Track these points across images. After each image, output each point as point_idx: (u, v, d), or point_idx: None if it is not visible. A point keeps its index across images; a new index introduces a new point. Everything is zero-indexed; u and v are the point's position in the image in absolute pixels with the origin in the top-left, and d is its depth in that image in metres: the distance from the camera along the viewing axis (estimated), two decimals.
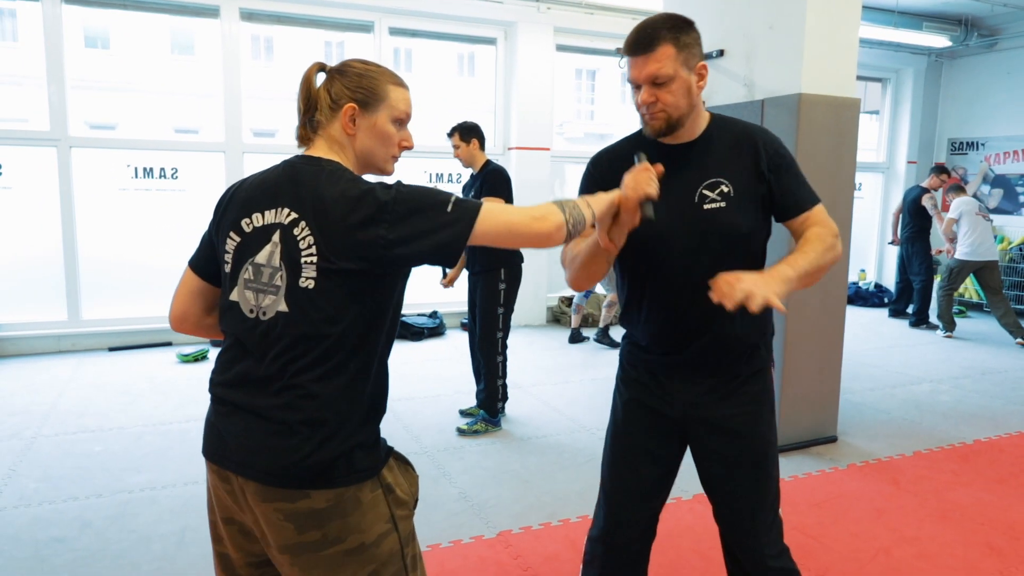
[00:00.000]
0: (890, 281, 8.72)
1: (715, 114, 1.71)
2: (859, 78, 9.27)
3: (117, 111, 17.52)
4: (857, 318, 7.70)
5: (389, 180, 1.32)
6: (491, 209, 1.29)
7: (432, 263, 1.31)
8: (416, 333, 6.41)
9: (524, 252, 4.09)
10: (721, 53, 4.08)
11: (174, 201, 5.87)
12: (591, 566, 1.84)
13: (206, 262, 1.41)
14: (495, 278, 3.88)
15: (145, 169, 5.85)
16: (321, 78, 1.39)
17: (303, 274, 1.25)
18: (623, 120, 14.87)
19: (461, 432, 3.91)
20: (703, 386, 1.68)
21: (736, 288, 1.38)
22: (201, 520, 2.89)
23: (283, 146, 5.83)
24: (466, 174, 4.08)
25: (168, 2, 5.87)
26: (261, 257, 1.28)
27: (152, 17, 6.24)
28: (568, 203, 1.38)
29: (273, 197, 1.31)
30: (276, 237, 1.27)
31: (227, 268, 1.33)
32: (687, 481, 3.38)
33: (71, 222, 5.68)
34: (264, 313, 1.27)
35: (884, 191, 9.19)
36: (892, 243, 7.98)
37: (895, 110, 9.09)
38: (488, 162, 3.95)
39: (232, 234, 1.33)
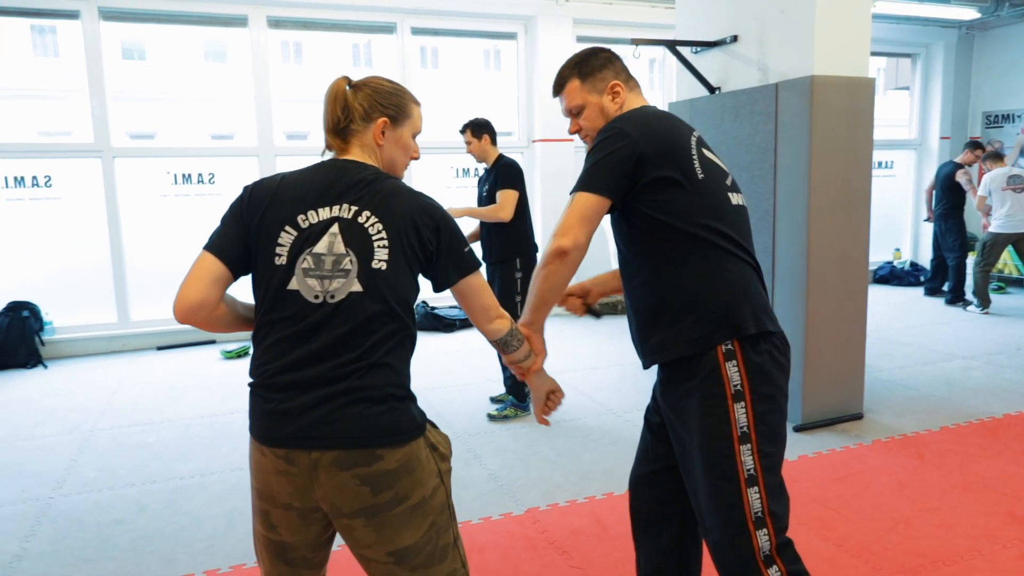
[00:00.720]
0: (926, 260, 8.60)
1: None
2: (887, 54, 9.15)
3: (155, 120, 18.04)
4: (891, 297, 7.65)
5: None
6: (484, 279, 1.57)
7: (434, 276, 1.53)
8: (448, 325, 6.57)
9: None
10: (735, 39, 4.12)
11: (212, 205, 6.13)
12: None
13: (235, 251, 1.45)
14: (511, 267, 4.00)
15: (184, 175, 6.11)
16: (349, 91, 1.53)
17: (376, 257, 1.41)
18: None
19: (491, 418, 4.05)
20: (661, 381, 1.76)
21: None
22: (246, 502, 3.08)
23: (315, 148, 5.98)
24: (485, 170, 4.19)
25: (199, 14, 6.10)
26: (320, 248, 1.40)
27: (185, 28, 6.49)
28: (518, 331, 1.66)
29: (328, 195, 1.44)
30: (334, 229, 1.41)
31: (280, 260, 1.41)
32: None
33: (117, 229, 5.97)
34: (333, 296, 1.38)
35: (917, 168, 9.05)
36: (927, 220, 7.88)
37: (926, 85, 8.94)
38: (500, 156, 4.06)
39: (288, 228, 1.42)
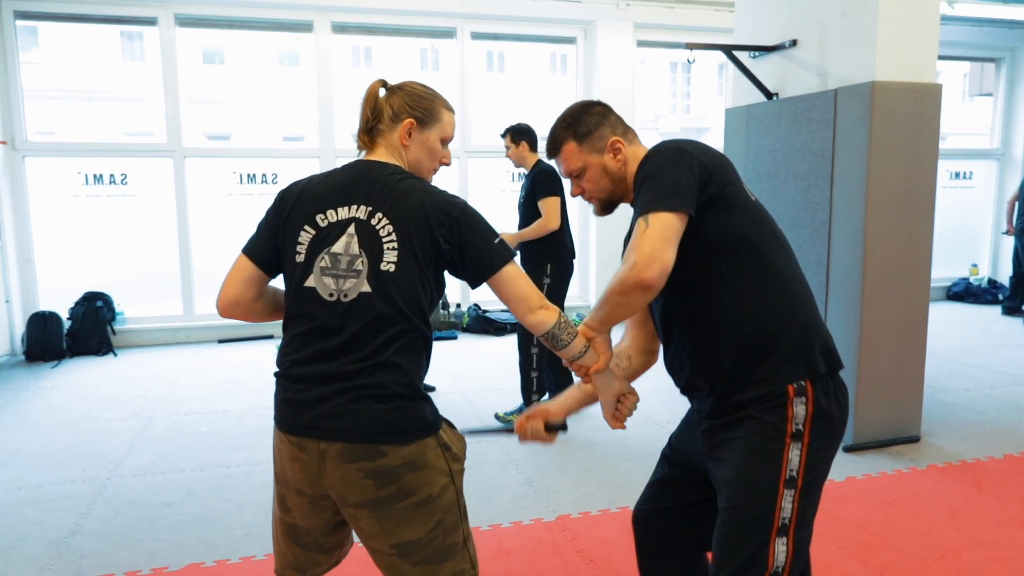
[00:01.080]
0: (1005, 276, 8.15)
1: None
2: (970, 59, 8.73)
3: (231, 122, 18.81)
4: (965, 315, 7.27)
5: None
6: (520, 270, 1.51)
7: (464, 275, 1.51)
8: (499, 328, 6.60)
9: (592, 247, 4.17)
10: (794, 43, 4.01)
11: None
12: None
13: (264, 250, 1.54)
14: (541, 273, 3.98)
15: (249, 175, 6.35)
16: (383, 93, 1.59)
17: (384, 259, 1.43)
18: (720, 113, 14.51)
19: (498, 418, 4.04)
20: (701, 418, 1.64)
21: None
22: None
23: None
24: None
25: (267, 20, 6.32)
26: (338, 247, 1.45)
27: (260, 33, 6.74)
28: (568, 324, 1.50)
29: (348, 195, 1.49)
30: (351, 229, 1.45)
31: (299, 258, 1.47)
32: None
33: (185, 226, 6.24)
34: (346, 295, 1.43)
35: (999, 179, 8.57)
36: (1007, 233, 7.47)
37: (1011, 91, 8.47)
38: (538, 162, 4.05)
39: (307, 227, 1.48)
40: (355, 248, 1.44)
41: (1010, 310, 7.31)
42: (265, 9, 6.22)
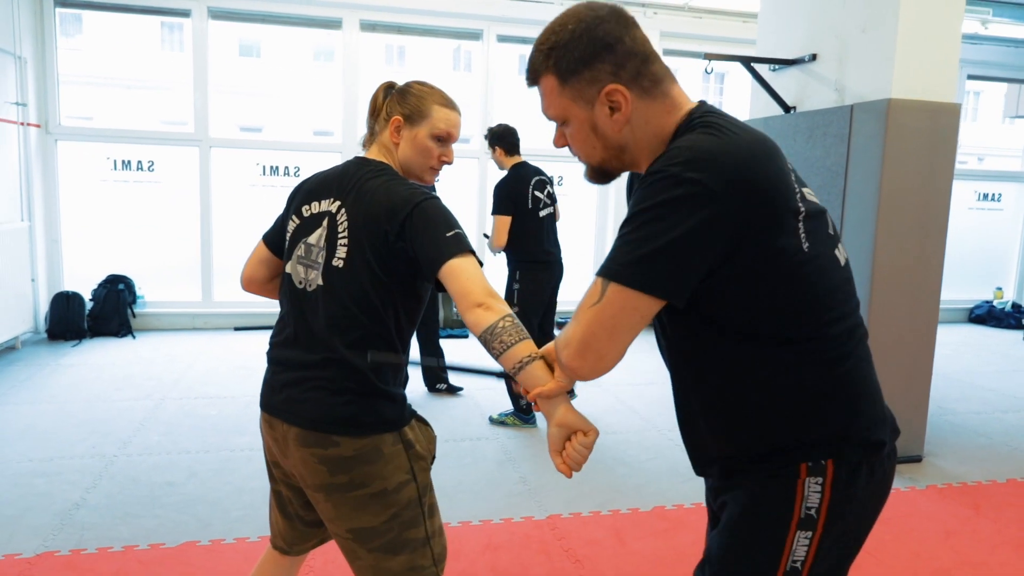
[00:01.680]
0: None
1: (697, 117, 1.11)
2: (1007, 80, 8.56)
3: (264, 114, 19.11)
4: (985, 339, 7.16)
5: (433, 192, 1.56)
6: (473, 263, 1.39)
7: (423, 273, 1.45)
8: None
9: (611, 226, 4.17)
10: (813, 57, 4.00)
11: None
12: None
13: (275, 237, 1.68)
14: (511, 278, 4.05)
15: (271, 167, 6.47)
16: (384, 95, 1.64)
17: (336, 254, 1.47)
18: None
19: (492, 421, 4.07)
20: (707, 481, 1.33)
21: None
22: None
23: None
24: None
25: (298, 16, 6.44)
26: (312, 238, 1.52)
27: (296, 29, 6.86)
28: (514, 330, 1.31)
29: (328, 189, 1.56)
30: (324, 222, 1.52)
31: (287, 245, 1.59)
32: None
33: (208, 214, 6.37)
34: (309, 285, 1.50)
35: None
36: None
37: None
38: (516, 166, 4.07)
39: (294, 217, 1.58)
40: (322, 241, 1.51)
41: None
42: (295, 5, 6.33)
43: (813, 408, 1.13)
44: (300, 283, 1.52)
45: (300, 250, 1.54)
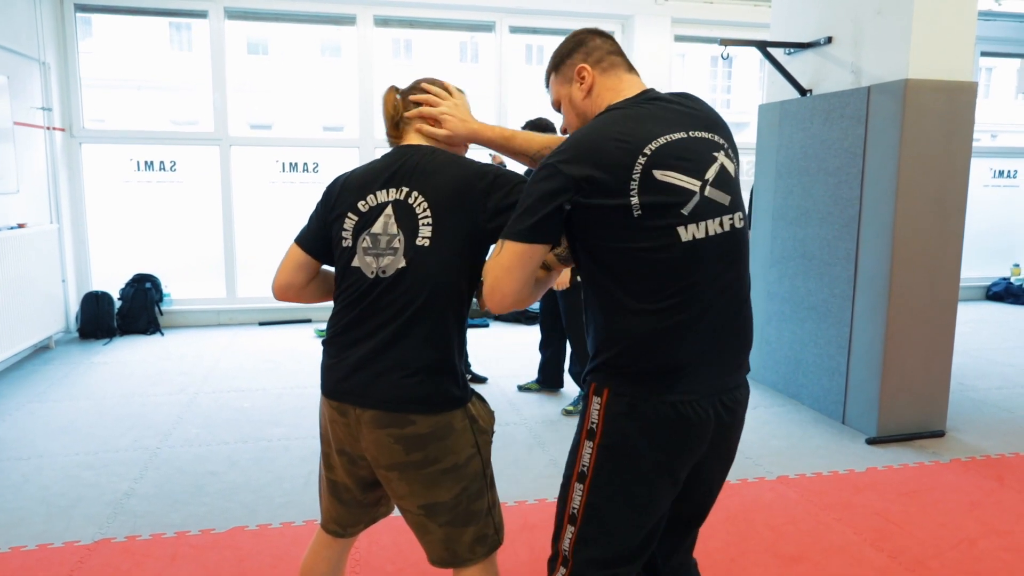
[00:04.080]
0: None
1: (647, 91, 1.52)
2: (1015, 56, 8.51)
3: (273, 111, 19.19)
4: (1004, 316, 7.17)
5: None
6: (517, 246, 1.46)
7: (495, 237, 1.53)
8: (531, 317, 6.72)
9: None
10: (829, 40, 4.03)
11: (315, 193, 6.52)
12: None
13: (314, 240, 1.67)
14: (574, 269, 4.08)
15: (291, 164, 6.56)
16: (397, 99, 1.73)
17: (419, 234, 1.52)
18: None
19: (567, 413, 4.14)
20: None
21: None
22: None
23: None
24: None
25: (313, 13, 6.51)
26: (377, 228, 1.55)
27: (304, 26, 6.93)
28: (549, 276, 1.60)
29: (387, 179, 1.59)
30: (388, 210, 1.55)
31: (346, 243, 1.58)
32: (771, 463, 3.45)
33: (230, 212, 6.48)
34: (384, 272, 1.53)
35: None
36: None
37: None
38: None
39: (350, 214, 1.59)
40: (392, 227, 1.54)
41: None
42: (311, 2, 6.40)
43: (608, 343, 1.42)
44: (373, 272, 1.54)
45: (365, 242, 1.56)
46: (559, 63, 1.57)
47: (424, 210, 1.53)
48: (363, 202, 1.60)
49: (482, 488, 1.61)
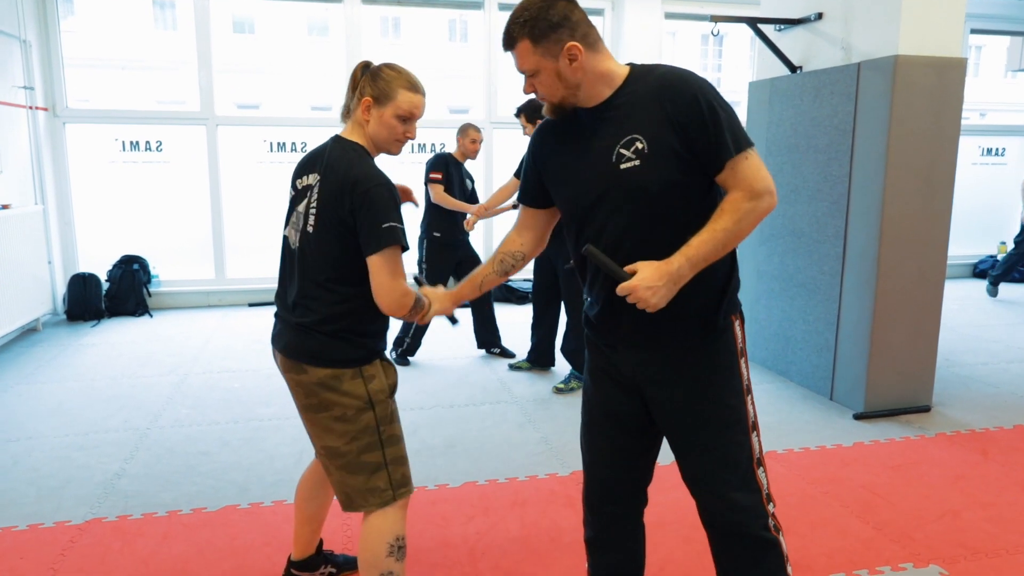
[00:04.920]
0: None
1: (636, 67, 1.59)
2: (1011, 33, 8.51)
3: (261, 91, 18.98)
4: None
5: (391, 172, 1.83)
6: (392, 262, 1.71)
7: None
8: (521, 297, 6.73)
9: None
10: (819, 16, 4.02)
11: None
12: (585, 527, 1.87)
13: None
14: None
15: (279, 144, 6.50)
16: (360, 74, 1.85)
17: (309, 221, 1.79)
18: None
19: (558, 390, 4.15)
20: (653, 357, 1.63)
21: (633, 297, 1.47)
22: None
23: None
24: None
25: None
26: (301, 207, 1.83)
27: (289, 3, 6.83)
28: (418, 306, 1.81)
29: (313, 164, 1.85)
30: (306, 193, 1.83)
31: (286, 213, 1.91)
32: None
33: (217, 192, 6.43)
34: (295, 245, 1.84)
35: None
36: None
37: None
38: None
39: (291, 189, 1.90)
40: (302, 208, 1.82)
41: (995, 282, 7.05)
42: None
43: (733, 280, 1.66)
44: (293, 245, 1.85)
45: (293, 217, 1.86)
46: (541, 35, 1.52)
47: (315, 199, 1.78)
48: (299, 180, 1.91)
49: (373, 443, 1.81)
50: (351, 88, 1.84)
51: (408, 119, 1.81)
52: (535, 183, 1.76)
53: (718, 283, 1.60)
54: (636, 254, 1.51)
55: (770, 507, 1.65)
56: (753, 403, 1.66)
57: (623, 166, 1.52)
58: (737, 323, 1.65)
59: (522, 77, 1.62)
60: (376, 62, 1.86)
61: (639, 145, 1.50)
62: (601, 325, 1.68)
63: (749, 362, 1.71)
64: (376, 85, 1.78)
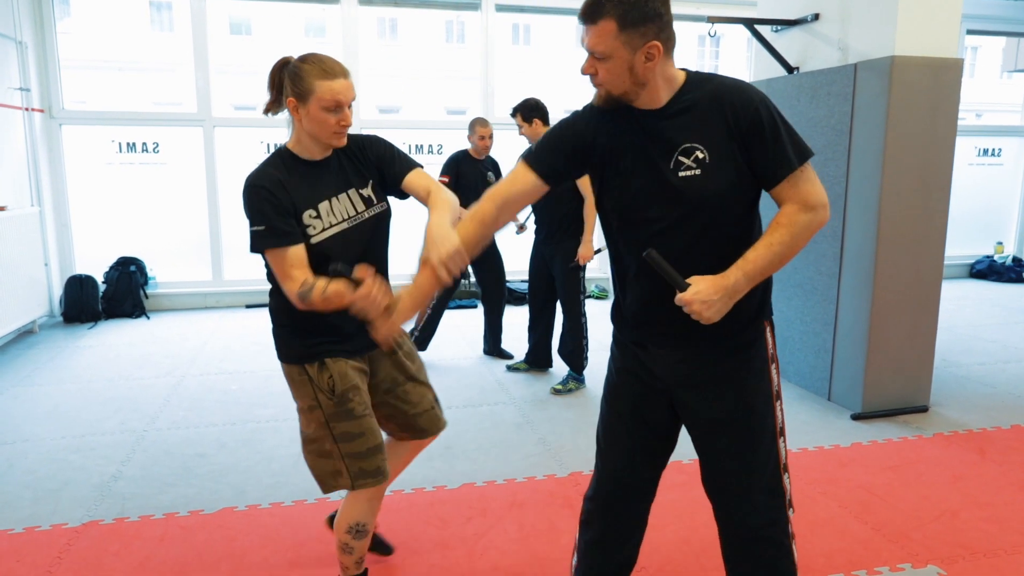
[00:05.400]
0: None
1: (692, 73, 1.56)
2: (1006, 34, 8.53)
3: (258, 92, 18.96)
4: (987, 293, 7.25)
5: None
6: (273, 259, 1.80)
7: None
8: (519, 298, 6.72)
9: None
10: (816, 17, 4.02)
11: None
12: (588, 525, 1.83)
13: None
14: (576, 244, 4.07)
15: (274, 145, 6.49)
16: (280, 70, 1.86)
17: None
18: None
19: (556, 391, 4.15)
20: (687, 358, 1.63)
21: (688, 309, 1.46)
22: None
23: (405, 121, 6.16)
24: None
25: None
26: None
27: (286, 4, 6.83)
28: (307, 292, 1.73)
29: None
30: None
31: None
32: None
33: (215, 193, 6.41)
34: None
35: None
36: None
37: None
38: None
39: None
40: None
41: None
42: None
43: (768, 288, 1.66)
44: None
45: None
46: (630, 22, 1.42)
47: None
48: None
49: (325, 435, 1.91)
50: (269, 86, 1.85)
51: (336, 108, 1.76)
52: (569, 158, 1.61)
53: (757, 289, 1.57)
54: (682, 261, 1.49)
55: (789, 512, 1.67)
56: (782, 409, 1.68)
57: (682, 174, 1.49)
58: (768, 329, 1.65)
59: (581, 57, 1.52)
60: (296, 56, 1.82)
61: (699, 155, 1.49)
62: (635, 324, 1.66)
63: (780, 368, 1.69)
64: (295, 84, 1.77)
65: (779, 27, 4.33)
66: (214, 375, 4.48)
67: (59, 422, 3.66)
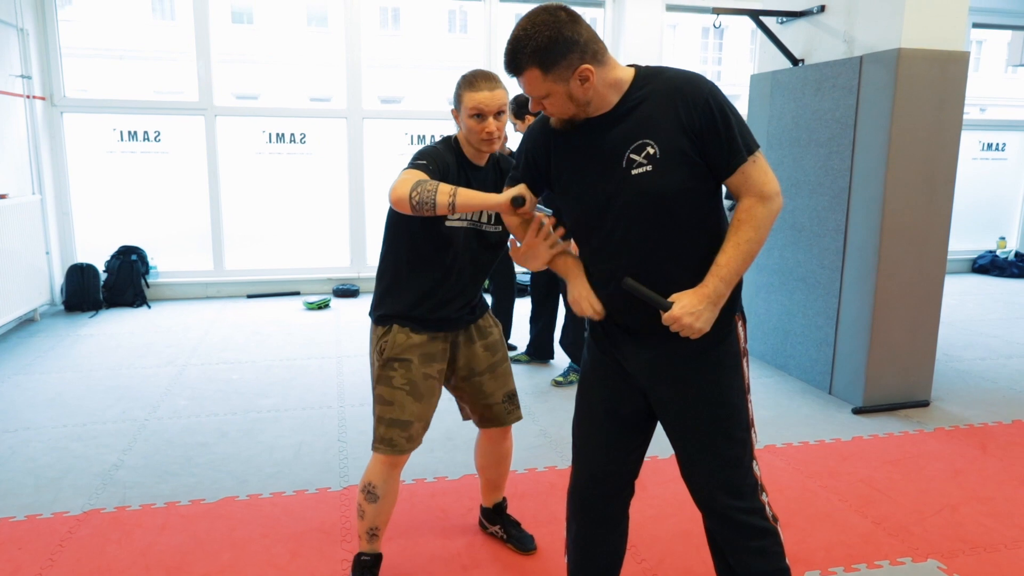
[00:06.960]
0: None
1: (641, 69, 1.57)
2: (1012, 27, 8.48)
3: (260, 81, 18.92)
4: (989, 288, 7.23)
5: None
6: (406, 173, 1.91)
7: None
8: (520, 290, 6.71)
9: None
10: (822, 9, 3.99)
11: (302, 164, 6.48)
12: (570, 522, 1.85)
13: None
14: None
15: (278, 135, 6.47)
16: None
17: None
18: None
19: (557, 383, 4.15)
20: (660, 356, 1.63)
21: (678, 326, 1.49)
22: (313, 436, 3.35)
23: (406, 112, 6.10)
24: None
25: None
26: None
27: None
28: (425, 183, 1.80)
29: None
30: None
31: None
32: (758, 432, 3.50)
33: (216, 183, 6.40)
34: None
35: None
36: None
37: None
38: None
39: None
40: None
41: None
42: None
43: (737, 285, 1.62)
44: None
45: None
46: (550, 64, 1.46)
47: None
48: None
49: (378, 382, 2.12)
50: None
51: (481, 116, 1.97)
52: (537, 170, 1.69)
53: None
54: (644, 260, 1.53)
55: (763, 497, 1.68)
56: (751, 401, 1.69)
57: (634, 171, 1.50)
58: (740, 324, 1.66)
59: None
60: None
61: (651, 150, 1.49)
62: (607, 323, 1.68)
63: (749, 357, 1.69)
64: (454, 94, 2.02)
65: (784, 19, 4.30)
66: (215, 365, 4.48)
67: (61, 410, 3.66)
